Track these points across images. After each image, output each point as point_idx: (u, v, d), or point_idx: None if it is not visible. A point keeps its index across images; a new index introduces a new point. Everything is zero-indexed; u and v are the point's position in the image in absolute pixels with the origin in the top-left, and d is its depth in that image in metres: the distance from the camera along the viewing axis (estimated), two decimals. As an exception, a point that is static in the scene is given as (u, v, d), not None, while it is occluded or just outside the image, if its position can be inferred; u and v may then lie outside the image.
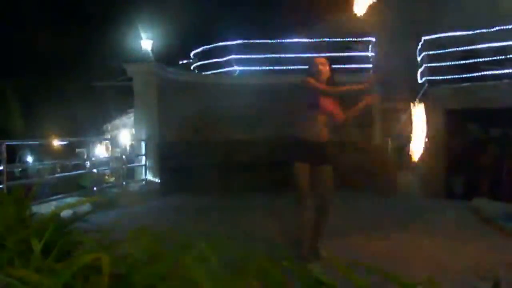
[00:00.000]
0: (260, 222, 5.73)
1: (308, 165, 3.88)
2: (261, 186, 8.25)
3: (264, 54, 11.26)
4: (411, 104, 4.50)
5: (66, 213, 1.62)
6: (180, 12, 13.23)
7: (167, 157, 8.87)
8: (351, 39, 10.91)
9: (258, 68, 11.18)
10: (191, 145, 9.17)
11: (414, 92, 9.46)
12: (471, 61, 9.41)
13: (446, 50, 9.68)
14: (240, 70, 11.17)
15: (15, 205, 1.46)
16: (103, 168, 10.22)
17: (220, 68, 11.39)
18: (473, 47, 9.49)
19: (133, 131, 10.43)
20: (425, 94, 9.34)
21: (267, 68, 11.13)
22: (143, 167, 9.02)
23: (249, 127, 9.60)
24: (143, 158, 9.05)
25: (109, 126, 15.84)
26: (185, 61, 13.46)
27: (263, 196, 7.56)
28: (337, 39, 10.99)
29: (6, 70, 16.08)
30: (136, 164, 9.23)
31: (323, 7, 10.40)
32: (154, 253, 1.17)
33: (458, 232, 5.13)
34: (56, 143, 12.00)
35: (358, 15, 3.11)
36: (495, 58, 9.20)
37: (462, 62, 9.56)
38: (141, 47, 10.62)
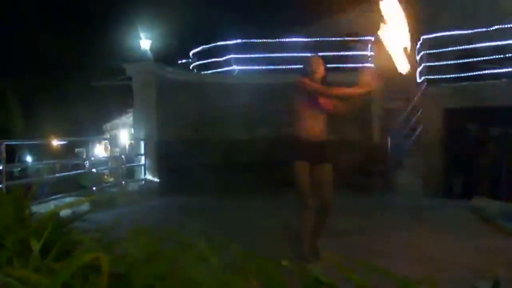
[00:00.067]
0: (260, 221, 5.72)
1: (308, 164, 3.87)
2: (260, 186, 8.25)
3: (263, 54, 11.25)
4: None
5: (65, 213, 1.62)
6: (178, 12, 13.23)
7: (166, 156, 8.87)
8: (350, 38, 10.91)
9: (257, 67, 11.16)
10: (190, 144, 9.16)
11: (413, 92, 9.48)
12: (470, 60, 9.41)
13: (445, 49, 9.68)
14: (239, 70, 11.15)
15: (14, 205, 1.45)
16: (103, 167, 10.24)
17: (219, 68, 11.37)
18: (472, 46, 9.50)
19: (132, 130, 10.44)
20: (424, 93, 9.35)
21: (266, 67, 11.11)
22: (142, 166, 9.02)
23: (248, 127, 9.60)
24: (142, 157, 9.05)
25: (108, 126, 15.84)
26: (184, 61, 13.45)
27: (263, 196, 7.55)
28: (337, 38, 10.99)
29: (6, 70, 16.08)
30: (135, 163, 9.23)
31: (323, 7, 10.40)
32: (154, 253, 1.17)
33: (457, 232, 5.13)
34: (56, 142, 12.00)
35: (404, 73, 2.96)
36: (494, 57, 9.21)
37: (461, 61, 9.56)
38: (140, 47, 10.64)
